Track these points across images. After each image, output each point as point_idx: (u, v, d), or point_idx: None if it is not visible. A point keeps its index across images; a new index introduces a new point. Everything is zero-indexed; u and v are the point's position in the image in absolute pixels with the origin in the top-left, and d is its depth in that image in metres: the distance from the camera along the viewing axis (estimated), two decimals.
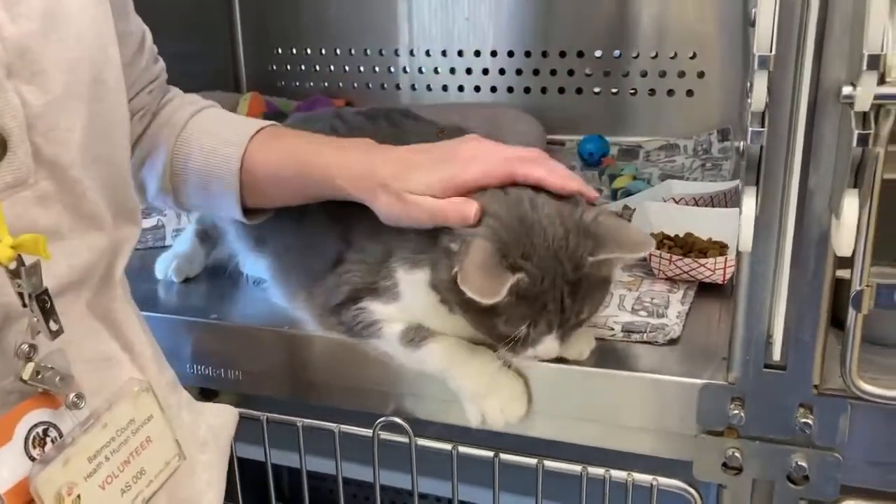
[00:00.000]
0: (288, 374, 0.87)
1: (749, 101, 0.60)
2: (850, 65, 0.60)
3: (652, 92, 1.51)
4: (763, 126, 0.59)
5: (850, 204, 0.60)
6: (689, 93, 1.48)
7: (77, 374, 0.54)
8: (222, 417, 0.75)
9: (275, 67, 1.73)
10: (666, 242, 0.97)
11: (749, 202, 0.62)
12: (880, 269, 0.73)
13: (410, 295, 0.77)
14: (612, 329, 0.82)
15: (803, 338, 0.69)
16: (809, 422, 0.70)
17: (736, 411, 0.72)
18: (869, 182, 0.62)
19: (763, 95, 0.59)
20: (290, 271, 0.88)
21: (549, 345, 0.72)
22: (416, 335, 0.78)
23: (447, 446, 0.83)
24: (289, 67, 1.72)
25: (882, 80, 0.59)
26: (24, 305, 0.48)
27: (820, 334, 0.69)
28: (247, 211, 0.82)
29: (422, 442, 0.84)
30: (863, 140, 0.57)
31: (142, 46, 0.77)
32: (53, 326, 0.49)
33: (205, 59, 1.65)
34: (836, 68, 0.60)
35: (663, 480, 0.78)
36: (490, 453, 0.82)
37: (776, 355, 0.68)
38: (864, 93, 0.57)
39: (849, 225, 0.60)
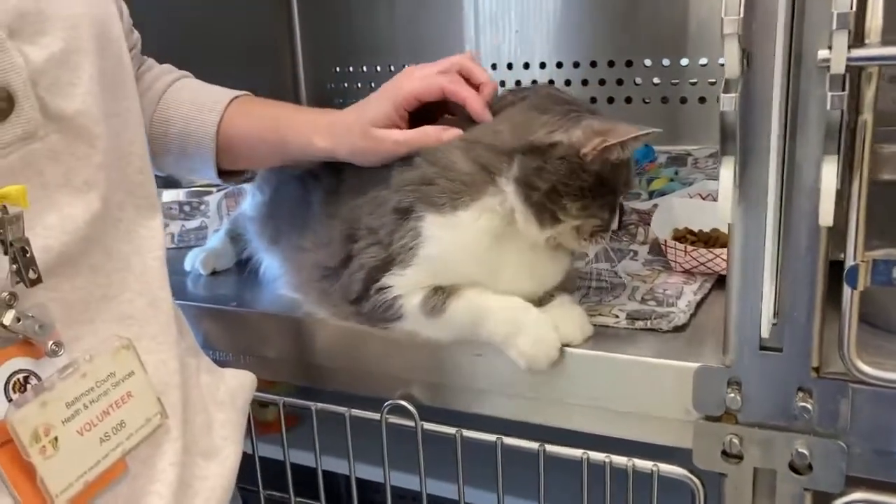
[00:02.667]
0: (298, 359, 0.89)
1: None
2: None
3: (702, 100, 1.49)
4: (734, 92, 0.58)
5: (829, 171, 0.58)
6: None
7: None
8: (240, 379, 0.78)
9: (333, 86, 1.78)
10: (689, 237, 0.95)
11: (726, 173, 0.61)
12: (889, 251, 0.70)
13: (442, 244, 0.77)
14: (617, 317, 0.81)
15: (798, 317, 0.67)
16: (809, 406, 0.68)
17: (733, 395, 0.70)
18: (859, 151, 0.61)
19: (735, 61, 0.59)
20: (301, 270, 0.90)
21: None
22: (437, 300, 0.78)
23: (451, 430, 0.83)
24: (346, 85, 1.77)
25: (862, 43, 0.57)
26: (6, 254, 0.52)
27: (816, 313, 0.66)
28: (223, 173, 0.90)
29: (427, 426, 0.84)
30: (837, 102, 0.56)
31: (120, 15, 0.82)
32: (32, 275, 0.53)
33: (265, 80, 1.72)
34: (816, 32, 0.59)
35: (665, 467, 0.76)
36: (493, 437, 0.82)
37: (765, 333, 0.66)
38: (837, 54, 0.56)
39: (828, 192, 0.58)
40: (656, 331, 0.78)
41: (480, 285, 0.78)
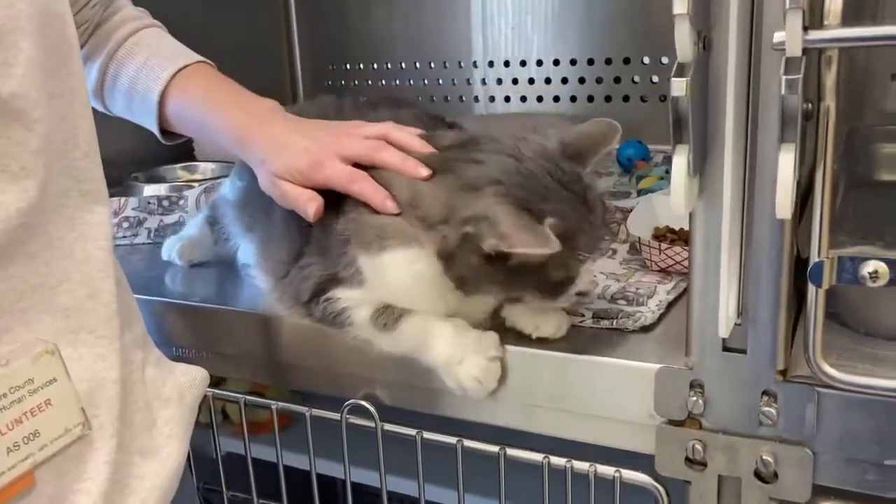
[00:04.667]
0: (259, 357, 0.87)
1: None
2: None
3: None
4: (686, 76, 0.55)
5: (786, 160, 0.55)
6: None
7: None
8: (190, 375, 0.76)
9: (330, 83, 1.77)
10: (669, 235, 0.92)
11: (679, 162, 0.58)
12: (864, 248, 0.66)
13: (378, 278, 0.75)
14: (583, 315, 0.78)
15: (761, 317, 0.63)
16: (774, 410, 0.64)
17: (695, 398, 0.67)
18: (822, 140, 0.57)
19: (687, 43, 0.55)
20: (267, 260, 0.88)
21: (588, 274, 0.73)
22: (388, 318, 0.76)
23: (412, 432, 0.81)
24: (343, 83, 1.75)
25: (821, 24, 0.54)
26: None
27: (781, 313, 0.63)
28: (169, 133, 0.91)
29: (388, 427, 0.82)
30: (792, 86, 0.53)
31: None
32: None
33: (262, 78, 1.70)
34: (774, 13, 0.56)
35: (627, 474, 0.73)
36: (453, 440, 0.79)
37: (723, 332, 0.63)
38: (792, 36, 0.53)
39: (785, 183, 0.55)
40: (622, 330, 0.75)
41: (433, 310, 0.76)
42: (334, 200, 0.78)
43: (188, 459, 0.75)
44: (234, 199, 0.99)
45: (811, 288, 0.61)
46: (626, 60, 1.50)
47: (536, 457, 0.76)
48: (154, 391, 0.71)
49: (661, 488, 0.72)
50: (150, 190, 1.21)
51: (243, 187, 0.98)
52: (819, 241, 0.59)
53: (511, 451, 0.77)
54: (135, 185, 1.24)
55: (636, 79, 1.50)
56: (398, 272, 0.74)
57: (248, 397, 0.89)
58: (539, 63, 1.56)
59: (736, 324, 0.65)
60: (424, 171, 0.75)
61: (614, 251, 0.96)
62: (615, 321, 0.76)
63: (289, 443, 0.92)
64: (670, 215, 0.94)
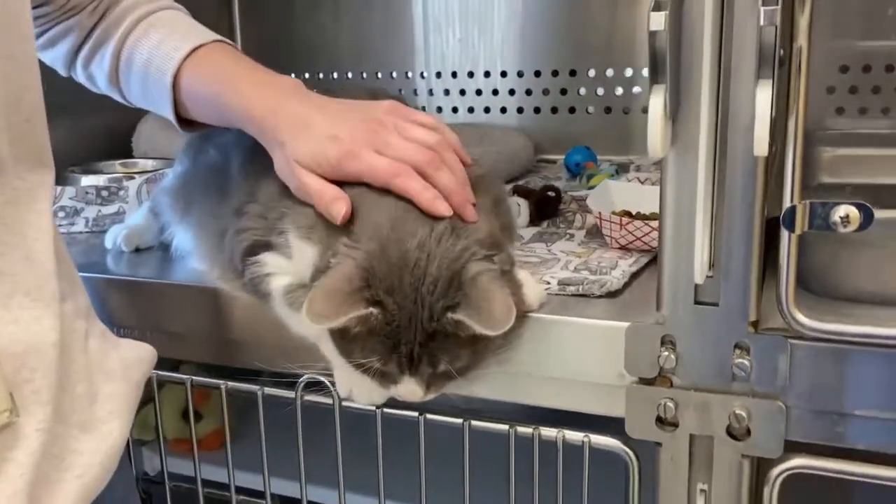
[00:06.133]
0: (210, 334, 0.83)
1: None
2: None
3: (645, 110, 1.47)
4: (664, 10, 0.55)
5: (763, 96, 0.55)
6: None
7: None
8: (138, 352, 0.72)
9: None
10: (626, 219, 0.92)
11: (656, 101, 0.58)
12: None
13: (302, 261, 0.72)
14: (548, 283, 0.76)
15: (735, 266, 0.63)
16: (746, 362, 0.64)
17: (667, 353, 0.66)
18: (795, 81, 0.58)
19: None
20: (205, 241, 0.85)
21: (410, 388, 0.66)
22: (298, 298, 0.72)
23: (371, 408, 0.77)
24: None
25: None
26: None
27: (754, 263, 0.63)
28: (186, 122, 0.83)
29: (346, 404, 0.78)
30: (769, 17, 0.53)
31: None
32: None
33: None
34: None
35: (596, 439, 0.71)
36: (415, 414, 0.76)
37: (699, 279, 0.62)
38: None
39: (762, 119, 0.55)
40: (588, 296, 0.74)
41: None
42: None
43: (127, 446, 0.71)
44: (170, 185, 0.95)
45: (784, 235, 0.61)
46: (573, 73, 1.52)
47: (502, 427, 0.74)
48: (97, 364, 0.67)
49: (630, 453, 0.70)
50: (86, 180, 1.16)
51: (181, 172, 0.95)
52: (792, 186, 0.60)
53: (475, 423, 0.74)
54: (71, 176, 1.18)
55: (581, 91, 1.52)
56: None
57: (195, 378, 0.85)
58: (486, 74, 1.57)
59: (707, 276, 0.64)
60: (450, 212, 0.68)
61: (571, 235, 0.95)
62: (581, 287, 0.75)
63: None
64: (627, 199, 0.95)
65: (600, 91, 1.51)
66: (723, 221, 0.63)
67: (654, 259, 0.83)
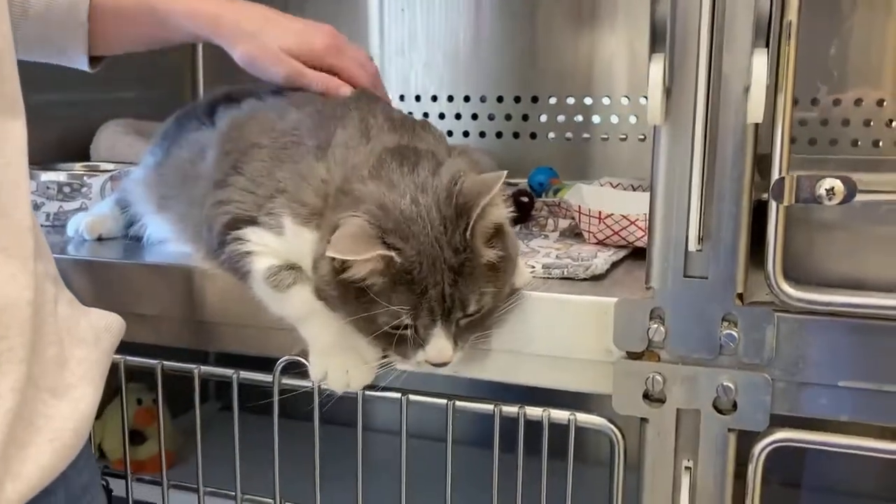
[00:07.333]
0: (182, 316, 0.81)
1: None
2: None
3: (605, 138, 1.52)
4: None
5: (759, 63, 0.58)
6: (643, 139, 1.48)
7: None
8: (107, 320, 0.71)
9: None
10: None
11: (655, 69, 0.60)
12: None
13: (294, 242, 0.72)
14: (533, 267, 0.77)
15: (724, 238, 0.65)
16: (734, 334, 0.65)
17: (656, 326, 0.66)
18: (784, 55, 0.61)
19: None
20: (188, 226, 0.84)
21: (440, 344, 0.65)
22: (282, 280, 0.72)
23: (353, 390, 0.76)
24: None
25: None
26: None
27: (742, 236, 0.65)
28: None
29: (326, 386, 0.76)
30: None
31: None
32: None
33: (163, 97, 1.65)
34: None
35: (582, 417, 0.71)
36: (398, 395, 0.75)
37: (692, 246, 0.64)
38: None
39: (759, 84, 0.57)
40: (573, 279, 0.75)
41: None
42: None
43: (89, 438, 0.68)
44: (143, 176, 0.94)
45: (772, 207, 0.63)
46: (535, 99, 1.55)
47: (487, 406, 0.73)
48: (67, 329, 0.65)
49: (616, 430, 0.70)
50: (46, 176, 1.13)
51: (154, 163, 0.93)
52: (780, 159, 0.62)
53: (460, 403, 0.74)
54: (31, 173, 1.15)
55: (542, 118, 1.55)
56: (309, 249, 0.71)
57: (165, 362, 0.82)
58: (450, 98, 1.60)
59: (697, 250, 0.66)
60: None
61: (546, 236, 0.96)
62: (566, 270, 0.75)
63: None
64: (601, 202, 0.96)
65: (561, 118, 1.54)
66: (713, 193, 0.64)
67: (633, 252, 0.85)
